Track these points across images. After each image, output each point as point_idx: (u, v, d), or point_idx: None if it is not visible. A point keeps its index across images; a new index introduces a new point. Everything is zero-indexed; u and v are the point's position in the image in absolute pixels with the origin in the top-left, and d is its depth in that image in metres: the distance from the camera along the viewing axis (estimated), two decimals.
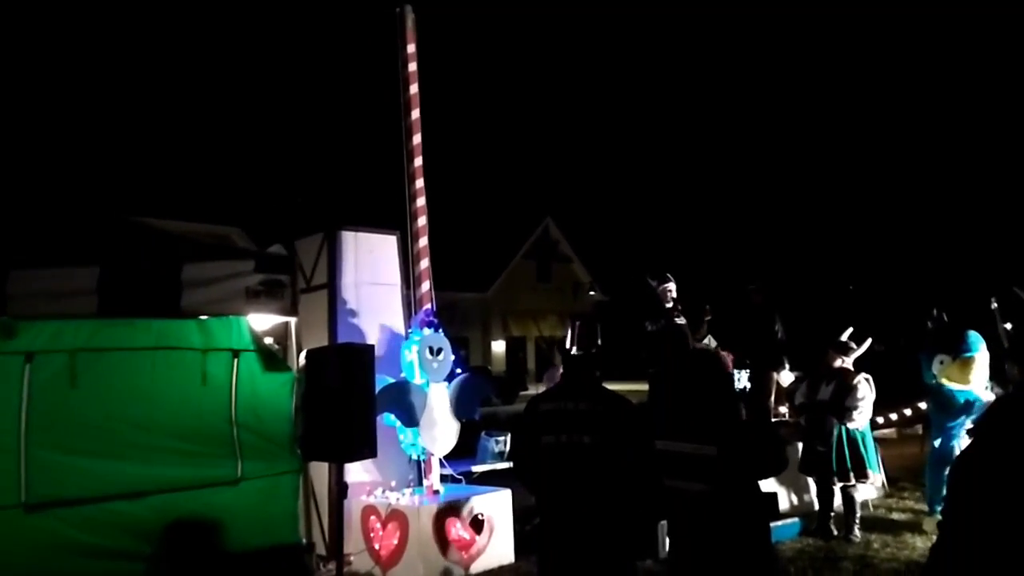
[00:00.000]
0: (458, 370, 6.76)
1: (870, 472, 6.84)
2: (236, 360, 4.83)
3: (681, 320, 7.58)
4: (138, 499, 4.46)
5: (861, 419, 6.83)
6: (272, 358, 5.06)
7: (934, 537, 7.00)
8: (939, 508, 7.00)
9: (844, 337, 7.29)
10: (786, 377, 8.48)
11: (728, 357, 7.81)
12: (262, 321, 5.10)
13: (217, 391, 4.77)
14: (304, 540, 5.19)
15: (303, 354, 5.06)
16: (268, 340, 5.52)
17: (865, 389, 6.84)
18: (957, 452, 6.99)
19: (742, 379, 8.28)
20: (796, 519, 7.12)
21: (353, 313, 6.33)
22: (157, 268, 4.60)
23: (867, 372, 7.02)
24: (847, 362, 7.09)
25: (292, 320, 5.21)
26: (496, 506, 6.13)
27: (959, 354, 7.17)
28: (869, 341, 7.29)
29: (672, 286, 7.66)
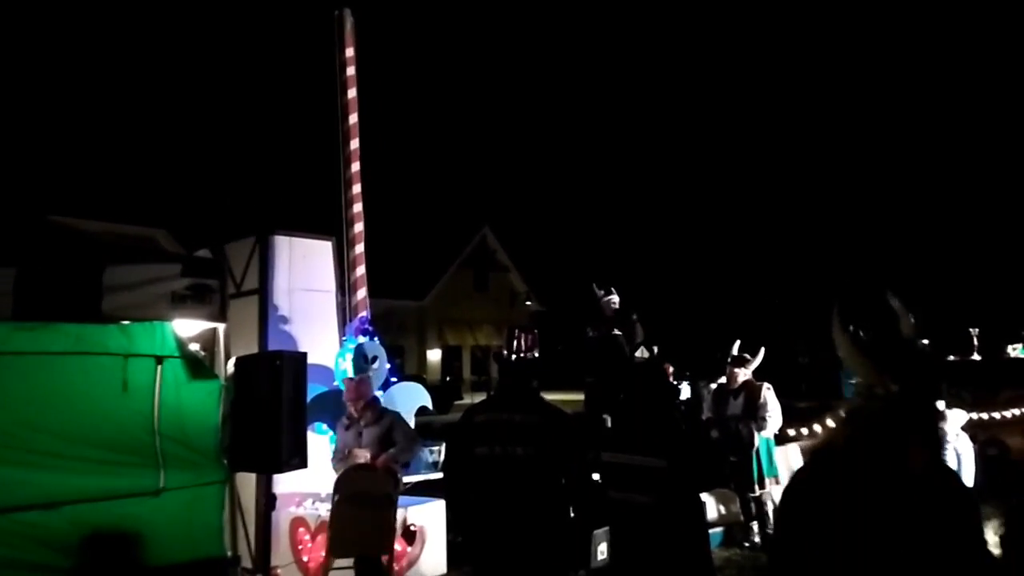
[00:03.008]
0: (393, 379, 6.68)
1: (768, 479, 7.07)
2: (160, 367, 4.65)
3: (617, 333, 7.68)
4: (53, 509, 4.25)
5: (773, 425, 7.11)
6: (198, 365, 4.91)
7: None
8: None
9: (735, 350, 7.50)
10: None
11: (667, 369, 7.95)
12: (189, 327, 4.94)
13: (139, 399, 4.59)
14: (229, 553, 5.04)
15: (231, 361, 4.92)
16: (195, 347, 5.34)
17: (772, 397, 7.10)
18: None
19: (683, 391, 8.42)
20: (720, 528, 7.27)
21: (285, 320, 6.19)
22: (77, 270, 4.41)
23: (771, 382, 7.28)
24: (748, 374, 7.30)
25: (220, 326, 5.07)
26: (429, 516, 6.07)
27: None
28: (763, 351, 7.52)
29: (615, 299, 7.80)
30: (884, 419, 1.83)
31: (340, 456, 5.50)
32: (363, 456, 5.33)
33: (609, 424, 6.48)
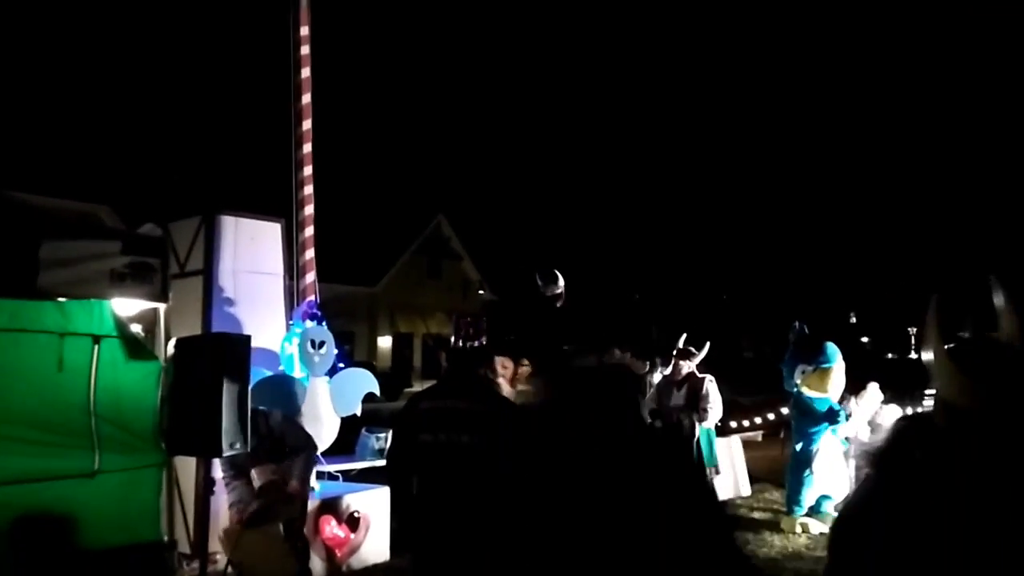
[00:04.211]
0: (341, 365, 6.62)
1: (708, 469, 7.26)
2: (97, 346, 4.52)
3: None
4: None
5: (713, 417, 7.29)
6: (137, 346, 4.78)
7: (791, 536, 7.39)
8: (797, 509, 7.46)
9: (681, 343, 7.67)
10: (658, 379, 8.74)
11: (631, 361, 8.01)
12: (129, 306, 4.81)
13: (74, 378, 4.45)
14: (166, 537, 4.94)
15: (172, 342, 4.81)
16: (136, 327, 5.21)
17: (714, 389, 7.28)
18: (816, 455, 7.48)
19: None
20: None
21: (230, 302, 6.08)
22: (11, 244, 4.25)
23: (715, 375, 7.46)
24: (692, 366, 7.47)
25: (162, 306, 4.94)
26: (373, 503, 6.05)
27: (818, 364, 7.67)
28: (708, 345, 7.70)
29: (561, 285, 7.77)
30: (963, 437, 1.48)
31: (233, 476, 4.91)
32: (262, 476, 4.83)
33: None
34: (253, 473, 4.87)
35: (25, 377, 4.31)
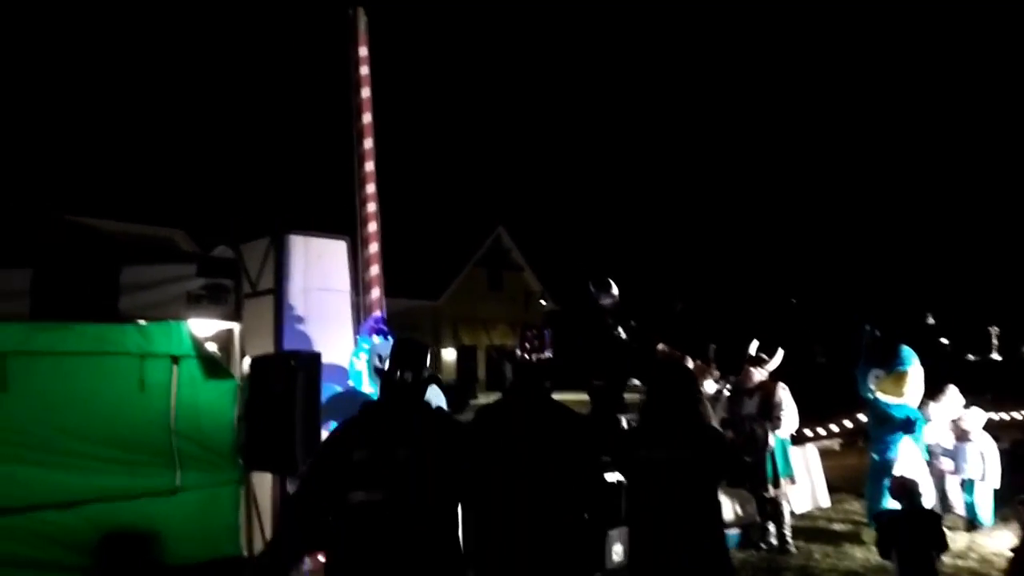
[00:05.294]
0: None
1: (783, 480, 7.01)
2: (176, 366, 4.68)
3: (620, 332, 7.56)
4: (71, 509, 4.29)
5: (788, 426, 7.03)
6: (214, 365, 4.93)
7: (874, 548, 7.07)
8: None
9: (753, 350, 7.43)
10: (709, 386, 8.50)
11: (691, 363, 7.84)
12: (204, 326, 4.97)
13: (156, 398, 4.62)
14: (245, 552, 5.06)
15: (247, 361, 4.94)
16: (211, 346, 5.37)
17: (787, 397, 7.04)
18: (895, 463, 7.19)
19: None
20: (736, 530, 7.22)
21: (300, 320, 6.21)
22: (94, 270, 4.44)
23: (804, 383, 7.22)
24: (764, 374, 7.24)
25: (236, 326, 5.09)
26: None
27: (893, 368, 7.38)
28: (781, 352, 7.45)
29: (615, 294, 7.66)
30: None
31: None
32: None
33: (624, 424, 6.44)
34: None
35: (109, 398, 4.48)
